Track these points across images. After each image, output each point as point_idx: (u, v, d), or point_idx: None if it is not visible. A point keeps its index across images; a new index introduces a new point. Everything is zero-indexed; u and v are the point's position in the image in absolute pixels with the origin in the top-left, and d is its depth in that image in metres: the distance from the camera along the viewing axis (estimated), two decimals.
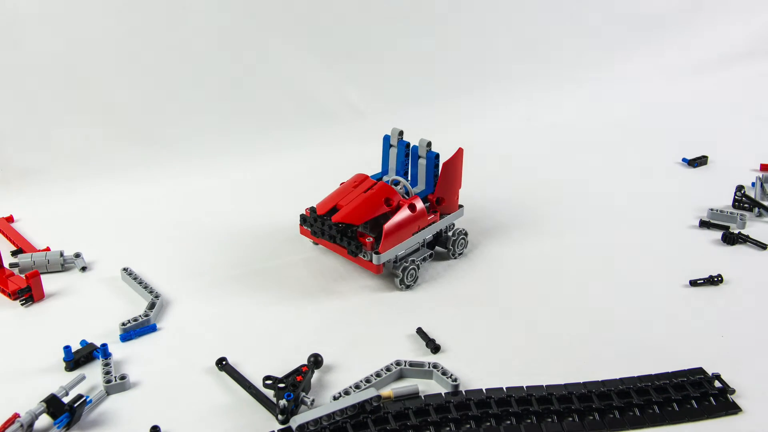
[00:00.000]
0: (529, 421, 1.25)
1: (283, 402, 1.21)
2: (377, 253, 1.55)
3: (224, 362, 1.36)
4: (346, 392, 1.28)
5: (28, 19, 2.09)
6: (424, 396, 1.29)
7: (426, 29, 2.65)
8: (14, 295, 1.56)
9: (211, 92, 2.35)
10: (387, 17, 2.58)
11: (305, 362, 1.34)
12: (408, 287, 1.62)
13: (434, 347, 1.40)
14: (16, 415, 1.22)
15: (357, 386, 1.30)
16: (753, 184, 2.06)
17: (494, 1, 2.74)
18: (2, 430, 1.19)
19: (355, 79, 2.55)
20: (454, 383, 1.30)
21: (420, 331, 1.45)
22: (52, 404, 1.21)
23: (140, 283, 1.60)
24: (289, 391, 1.23)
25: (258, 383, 1.31)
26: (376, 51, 2.59)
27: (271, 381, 1.27)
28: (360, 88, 2.55)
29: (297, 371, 1.29)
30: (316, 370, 1.35)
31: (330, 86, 2.52)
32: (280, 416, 1.21)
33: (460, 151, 1.70)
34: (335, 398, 1.27)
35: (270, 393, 1.28)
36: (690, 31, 3.07)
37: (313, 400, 1.24)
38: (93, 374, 1.34)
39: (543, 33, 2.85)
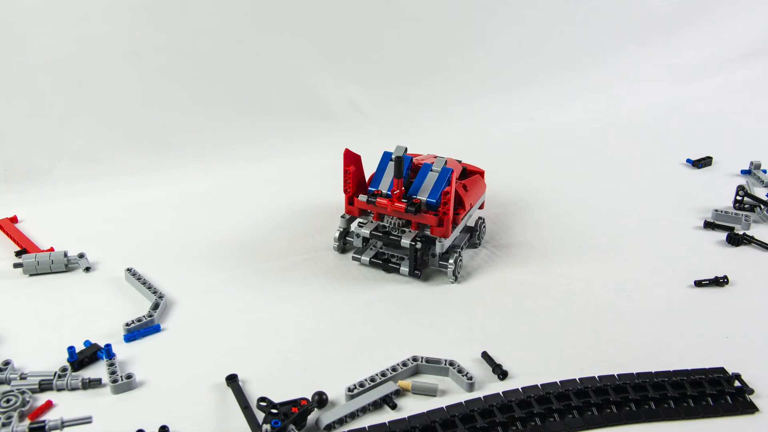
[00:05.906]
0: (552, 419, 1.25)
1: (266, 427, 1.17)
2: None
3: (233, 379, 1.32)
4: (361, 384, 1.28)
5: (31, 19, 2.09)
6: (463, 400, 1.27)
7: (429, 30, 2.65)
8: None
9: (215, 94, 2.35)
10: (391, 18, 2.58)
11: (307, 393, 1.26)
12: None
13: (501, 372, 1.33)
14: (49, 403, 1.25)
15: (372, 380, 1.30)
16: (742, 171, 2.13)
17: (498, 3, 2.74)
18: (35, 416, 1.23)
19: (359, 80, 2.55)
20: (470, 381, 1.30)
21: (485, 356, 1.38)
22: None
23: (144, 283, 1.60)
24: (279, 419, 1.18)
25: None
26: (379, 52, 2.59)
27: (265, 403, 1.23)
28: (363, 89, 2.55)
29: (295, 402, 1.23)
30: (319, 405, 1.27)
31: (334, 88, 2.52)
32: None
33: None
34: (350, 390, 1.27)
35: (262, 415, 1.23)
36: (694, 31, 3.06)
37: None
38: (97, 375, 1.34)
39: (546, 34, 2.84)
